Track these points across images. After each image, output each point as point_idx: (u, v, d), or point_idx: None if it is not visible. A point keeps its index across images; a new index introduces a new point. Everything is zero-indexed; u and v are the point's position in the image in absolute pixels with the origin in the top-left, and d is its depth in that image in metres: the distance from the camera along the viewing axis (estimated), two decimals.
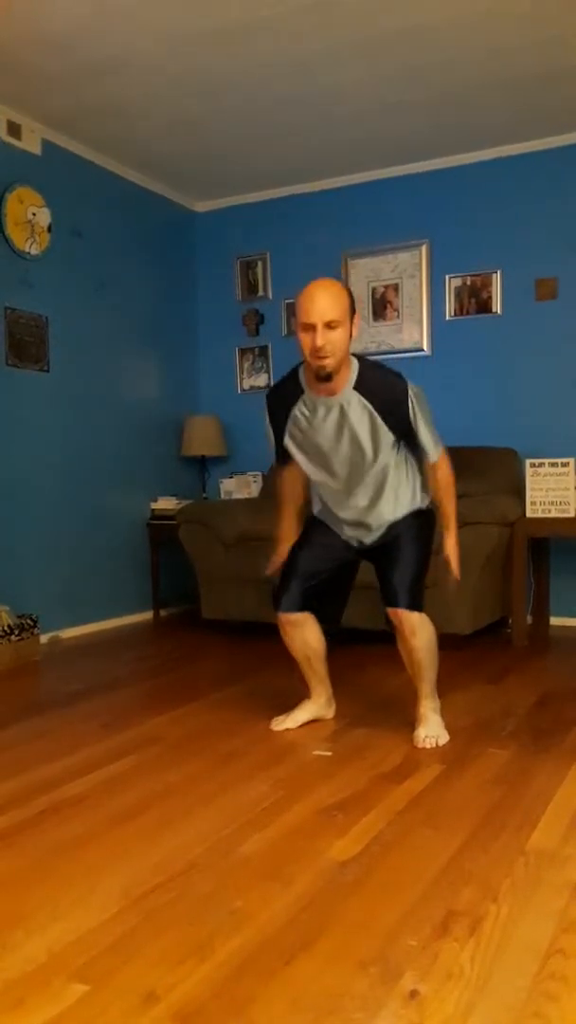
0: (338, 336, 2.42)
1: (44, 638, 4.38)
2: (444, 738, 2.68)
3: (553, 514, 4.13)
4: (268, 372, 5.44)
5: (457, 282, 4.92)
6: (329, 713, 2.97)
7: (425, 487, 2.79)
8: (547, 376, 4.71)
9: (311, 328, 2.41)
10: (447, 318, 4.96)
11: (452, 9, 3.37)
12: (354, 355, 2.58)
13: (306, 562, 2.81)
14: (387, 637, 4.02)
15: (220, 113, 4.30)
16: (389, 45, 3.65)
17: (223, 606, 4.53)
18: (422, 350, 4.98)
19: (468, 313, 4.91)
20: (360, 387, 2.54)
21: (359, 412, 2.55)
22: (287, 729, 2.84)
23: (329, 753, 2.59)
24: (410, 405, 2.56)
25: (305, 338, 2.44)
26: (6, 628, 3.95)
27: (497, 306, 4.83)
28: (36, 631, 4.13)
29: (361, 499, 2.70)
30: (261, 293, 5.46)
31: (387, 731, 2.78)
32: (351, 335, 2.47)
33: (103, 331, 4.91)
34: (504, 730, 2.78)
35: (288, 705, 3.00)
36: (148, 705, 3.22)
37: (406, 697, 3.16)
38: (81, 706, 3.21)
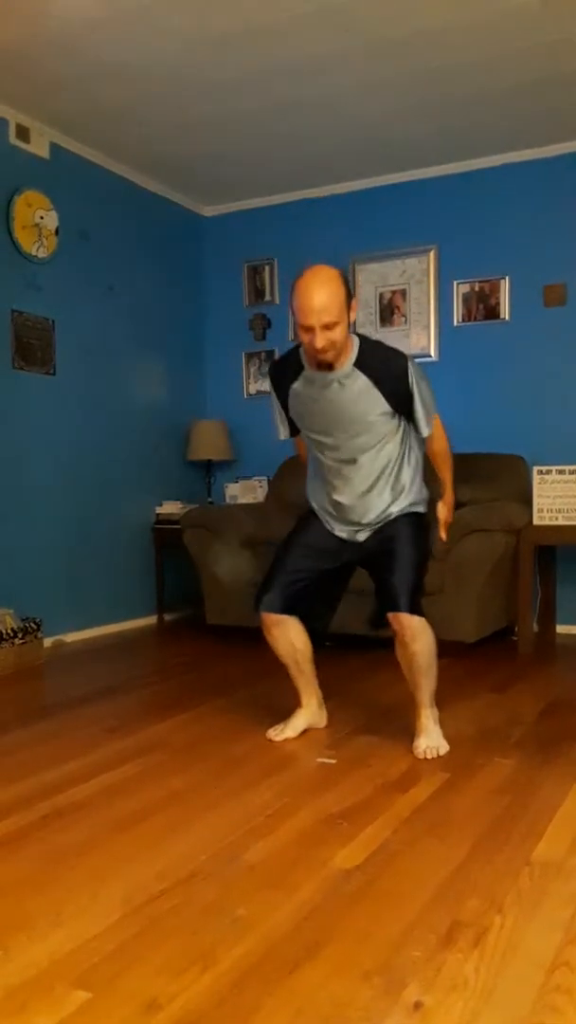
0: (337, 333, 2.43)
1: (48, 642, 4.38)
2: (444, 748, 2.65)
3: (560, 521, 4.11)
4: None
5: (465, 288, 4.91)
6: (322, 720, 2.92)
7: (424, 482, 2.76)
8: (555, 382, 4.70)
9: (310, 329, 2.42)
10: (455, 324, 4.95)
11: (460, 14, 3.38)
12: (355, 334, 2.59)
13: (292, 561, 2.77)
14: (388, 643, 4.01)
15: (228, 117, 4.30)
16: (398, 50, 3.65)
17: (227, 611, 4.52)
18: (429, 356, 4.97)
19: (476, 319, 4.90)
20: (360, 364, 2.55)
21: (359, 385, 2.55)
22: (286, 739, 2.80)
23: (333, 761, 2.58)
24: (410, 379, 2.57)
25: (305, 335, 2.46)
26: (10, 632, 3.95)
27: (505, 312, 4.83)
28: (40, 635, 4.13)
29: (358, 481, 2.66)
30: (268, 298, 5.46)
31: (391, 739, 2.77)
32: (350, 322, 2.49)
33: (110, 334, 4.91)
34: (510, 739, 2.77)
35: (293, 712, 2.98)
36: (152, 710, 3.21)
37: (410, 705, 3.15)
38: (84, 711, 3.21)
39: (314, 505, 2.83)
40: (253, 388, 5.55)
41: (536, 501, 4.15)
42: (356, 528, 2.73)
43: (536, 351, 4.75)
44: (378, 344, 2.64)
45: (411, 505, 2.71)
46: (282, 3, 3.29)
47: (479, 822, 2.08)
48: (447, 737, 2.70)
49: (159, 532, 5.19)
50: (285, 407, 2.76)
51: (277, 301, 5.43)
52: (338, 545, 2.77)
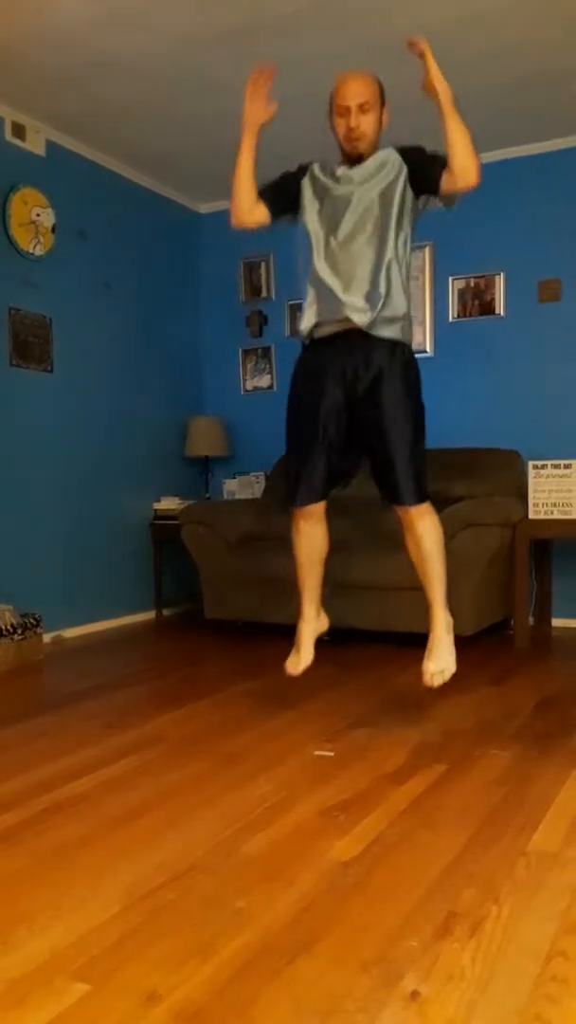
0: (370, 120, 2.65)
1: (47, 637, 4.39)
2: (451, 669, 2.72)
3: (556, 516, 4.12)
4: (271, 373, 5.45)
5: (460, 284, 4.92)
6: (323, 625, 3.00)
7: (407, 298, 2.76)
8: (550, 378, 4.71)
9: (346, 111, 2.62)
10: (450, 319, 4.96)
11: (456, 10, 3.38)
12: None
13: (309, 448, 2.79)
14: (389, 637, 4.02)
15: (225, 114, 4.28)
16: (393, 46, 3.64)
17: (225, 607, 4.53)
18: (425, 351, 4.98)
19: (471, 315, 4.91)
20: (395, 149, 2.74)
21: (390, 158, 2.72)
22: (306, 667, 2.88)
23: (331, 754, 2.59)
24: (421, 146, 2.72)
25: (340, 122, 2.66)
26: (9, 627, 3.96)
27: (500, 308, 4.83)
28: (39, 630, 4.13)
29: (359, 264, 2.67)
30: (265, 294, 5.46)
31: (389, 732, 2.78)
32: (382, 122, 2.70)
33: (107, 332, 4.91)
34: (506, 731, 2.78)
35: (291, 705, 3.00)
36: (151, 705, 3.22)
37: (408, 698, 3.16)
38: (83, 706, 3.22)
39: (307, 314, 2.80)
40: (250, 385, 5.55)
41: (532, 496, 4.17)
42: (345, 300, 2.70)
43: (531, 347, 4.76)
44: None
45: (402, 329, 2.72)
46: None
47: (476, 813, 2.10)
48: (445, 729, 2.72)
49: (157, 528, 5.20)
50: (292, 197, 2.87)
51: (274, 298, 5.43)
52: (337, 387, 2.74)
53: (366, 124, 2.63)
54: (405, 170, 2.71)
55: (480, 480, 4.41)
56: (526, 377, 4.77)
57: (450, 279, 4.93)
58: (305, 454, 2.81)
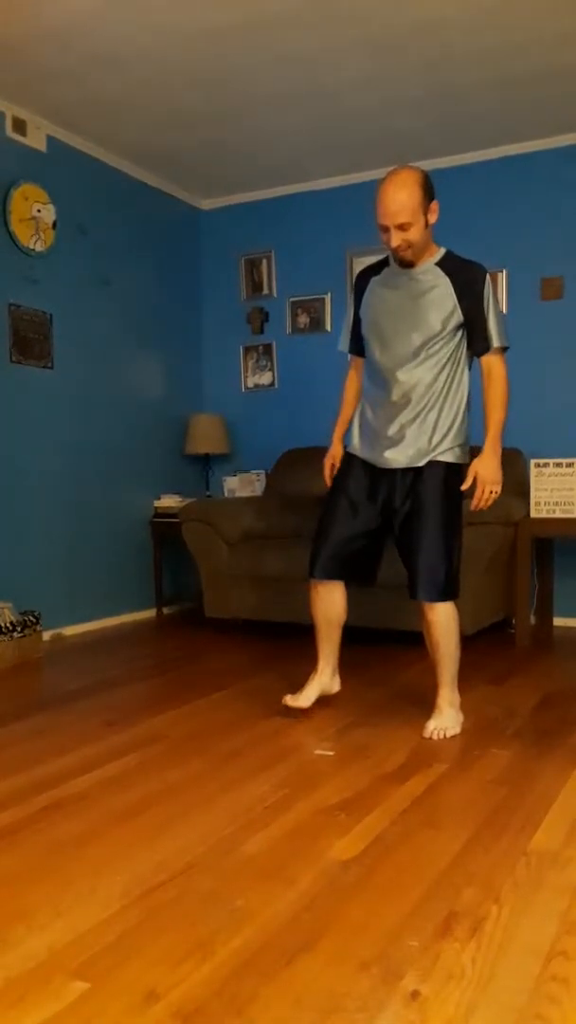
0: (413, 233, 2.59)
1: (46, 635, 4.38)
2: (452, 731, 2.71)
3: (557, 514, 4.12)
4: (272, 370, 5.44)
5: None
6: (335, 687, 3.03)
7: (465, 430, 2.77)
8: (552, 376, 4.70)
9: (386, 229, 2.59)
10: None
11: (457, 6, 3.37)
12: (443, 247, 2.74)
13: (339, 529, 2.83)
14: (390, 636, 4.02)
15: (225, 110, 4.29)
16: (395, 42, 3.64)
17: (226, 604, 4.53)
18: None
19: None
20: (442, 264, 2.70)
21: (436, 281, 2.69)
22: (301, 708, 2.90)
23: (331, 753, 2.59)
24: (486, 287, 2.68)
25: (383, 235, 2.63)
26: (9, 625, 3.96)
27: (503, 305, 4.82)
28: (39, 628, 4.13)
29: (404, 399, 2.70)
30: (266, 291, 5.45)
31: (390, 731, 2.77)
32: (427, 224, 2.62)
33: (107, 328, 4.90)
34: (507, 730, 2.78)
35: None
36: (150, 703, 3.22)
37: (409, 697, 3.16)
38: (83, 704, 3.21)
39: (354, 438, 2.86)
40: (251, 382, 5.54)
41: (533, 494, 4.16)
42: (388, 457, 2.74)
43: (533, 344, 4.74)
44: (461, 257, 2.75)
45: (448, 450, 2.72)
46: None
47: (476, 813, 2.09)
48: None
49: (157, 525, 5.19)
50: (357, 316, 2.87)
51: (275, 294, 5.42)
52: (373, 491, 2.79)
53: (410, 238, 2.59)
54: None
55: None
56: (528, 375, 4.75)
57: None
58: (336, 529, 2.86)
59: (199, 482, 5.57)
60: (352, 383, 3.01)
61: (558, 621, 4.69)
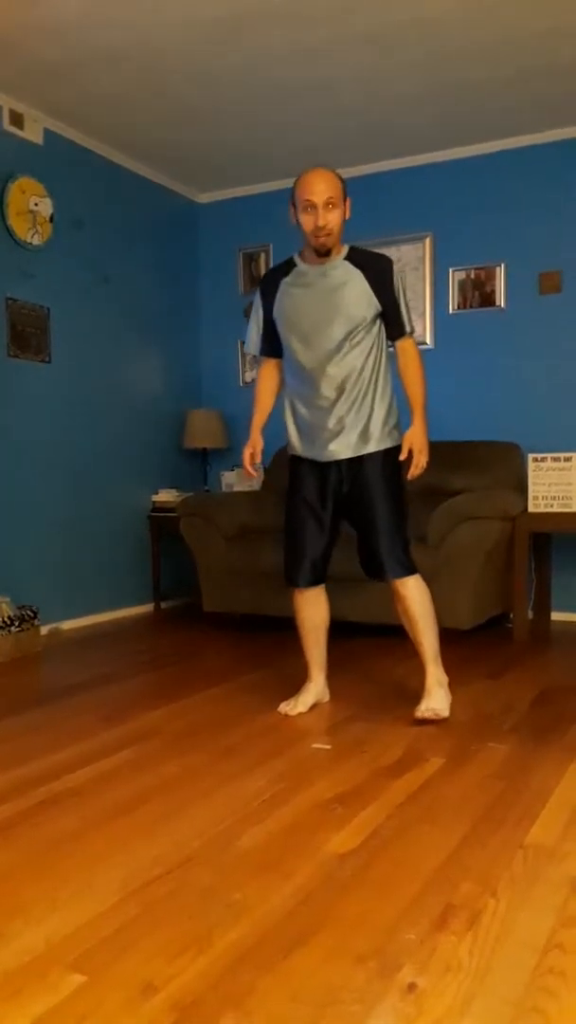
0: (335, 217, 2.69)
1: (44, 630, 4.38)
2: (443, 712, 2.77)
3: (555, 508, 4.12)
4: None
5: (460, 275, 4.90)
6: (326, 695, 3.06)
7: (396, 412, 2.85)
8: (550, 370, 4.70)
9: (313, 207, 2.66)
10: (450, 311, 4.94)
11: (456, 1, 3.35)
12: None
13: (311, 535, 2.90)
14: (387, 631, 4.02)
15: (224, 103, 4.28)
16: (394, 36, 3.63)
17: (223, 599, 4.53)
18: (425, 343, 4.96)
19: (471, 306, 4.89)
20: (351, 258, 2.79)
21: (349, 276, 2.76)
22: (299, 714, 2.92)
23: (328, 747, 2.59)
24: (394, 275, 2.79)
25: (307, 219, 2.70)
26: (6, 619, 3.95)
27: (501, 299, 4.82)
28: (36, 623, 4.13)
29: (340, 392, 2.76)
30: None
31: (387, 725, 2.78)
32: (345, 215, 2.74)
33: (105, 322, 4.89)
34: (504, 725, 2.78)
35: (288, 698, 3.00)
36: (148, 698, 3.22)
37: (406, 691, 3.16)
38: (81, 698, 3.21)
39: (293, 439, 2.91)
40: (248, 376, 5.53)
41: (531, 488, 4.16)
42: (332, 449, 2.81)
43: (531, 338, 4.74)
44: (365, 248, 2.85)
45: (387, 435, 2.81)
46: None
47: (473, 807, 2.10)
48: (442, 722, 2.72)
49: (155, 520, 5.19)
50: (269, 318, 2.91)
51: None
52: (323, 488, 2.87)
53: (333, 220, 2.68)
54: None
55: (479, 473, 4.40)
56: (526, 369, 4.76)
57: (450, 270, 4.91)
58: (307, 536, 2.92)
59: (197, 477, 5.57)
60: (267, 382, 3.04)
61: (556, 616, 4.69)
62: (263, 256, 5.44)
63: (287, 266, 2.88)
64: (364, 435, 2.78)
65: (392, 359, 2.86)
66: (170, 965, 1.43)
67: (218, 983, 1.37)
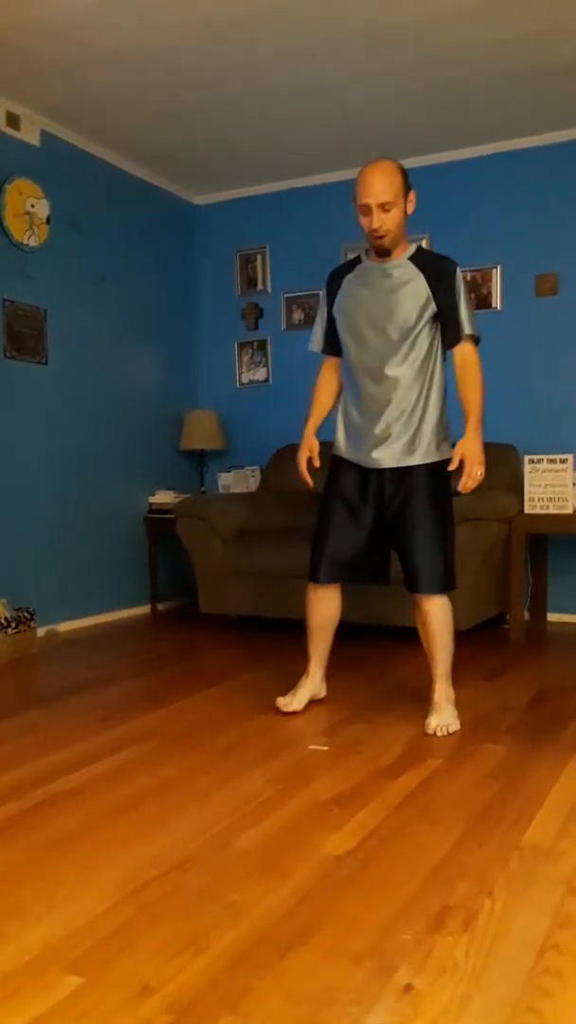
0: (393, 216, 2.63)
1: (41, 631, 4.38)
2: (454, 727, 2.72)
3: (551, 510, 4.13)
4: (267, 366, 5.44)
5: None
6: (322, 692, 3.05)
7: (446, 423, 2.80)
8: (546, 372, 4.71)
9: (368, 209, 2.62)
10: None
11: (454, 2, 3.36)
12: (414, 242, 2.77)
13: (338, 533, 2.84)
14: (385, 632, 4.03)
15: (221, 105, 4.28)
16: (390, 37, 3.64)
17: (221, 600, 4.53)
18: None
19: None
20: (414, 259, 2.74)
21: (410, 277, 2.71)
22: (294, 711, 2.91)
23: (326, 748, 2.59)
24: (456, 279, 2.72)
25: (364, 219, 2.66)
26: (3, 621, 3.95)
27: (497, 302, 4.83)
28: (33, 624, 4.13)
29: (385, 398, 2.72)
30: (260, 287, 5.45)
31: (384, 726, 2.78)
32: (406, 212, 2.68)
33: (102, 324, 4.90)
34: (501, 726, 2.79)
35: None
36: (145, 699, 3.22)
37: (404, 692, 3.17)
38: (78, 699, 3.21)
39: (339, 440, 2.87)
40: (245, 378, 5.54)
41: (527, 490, 4.17)
42: (376, 457, 2.76)
43: (528, 341, 4.75)
44: (431, 251, 2.83)
45: (436, 448, 2.75)
46: None
47: (470, 807, 2.10)
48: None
49: (152, 521, 5.19)
50: (330, 316, 2.87)
51: (269, 290, 5.42)
52: (364, 490, 2.81)
53: (390, 222, 2.63)
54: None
55: None
56: (522, 371, 4.77)
57: None
58: (333, 533, 2.87)
59: (194, 478, 5.57)
60: (326, 382, 2.99)
61: (551, 617, 4.70)
62: (260, 258, 5.44)
63: (352, 263, 2.83)
64: (410, 446, 2.72)
65: (449, 367, 2.79)
66: (167, 966, 1.43)
67: (215, 984, 1.38)
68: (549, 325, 4.70)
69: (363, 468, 2.81)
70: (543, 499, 4.14)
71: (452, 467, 2.74)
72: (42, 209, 4.43)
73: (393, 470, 2.75)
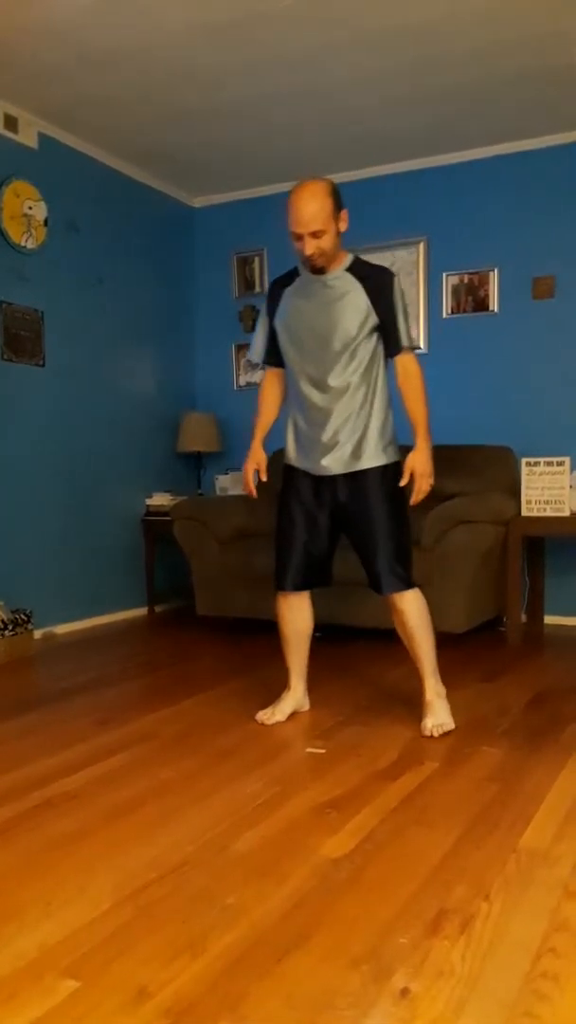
0: (325, 240, 2.63)
1: (38, 633, 4.38)
2: (449, 725, 2.74)
3: (548, 513, 4.13)
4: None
5: (454, 280, 4.92)
6: (304, 705, 3.03)
7: (392, 428, 2.80)
8: (543, 374, 4.72)
9: (300, 237, 2.63)
10: (444, 316, 4.96)
11: (452, 5, 3.37)
12: (350, 251, 2.77)
13: (302, 540, 2.86)
14: (380, 634, 4.02)
15: (219, 107, 4.28)
16: (389, 41, 3.64)
17: (217, 603, 4.53)
18: (419, 348, 4.94)
19: (465, 311, 4.90)
20: (352, 270, 2.74)
21: (349, 288, 2.72)
22: (277, 723, 2.88)
23: (323, 750, 2.59)
24: (395, 290, 2.74)
25: (297, 244, 2.66)
26: (0, 623, 3.95)
27: (494, 304, 4.83)
28: (30, 626, 4.12)
29: (332, 409, 2.73)
30: (258, 289, 5.45)
31: (381, 728, 2.78)
32: (339, 232, 2.68)
33: (99, 326, 4.90)
34: (498, 728, 2.79)
35: (281, 695, 3.00)
36: (142, 701, 3.22)
37: (400, 695, 3.17)
38: (75, 702, 3.21)
39: (290, 449, 2.88)
40: (243, 380, 5.54)
41: (524, 493, 4.17)
42: (325, 464, 2.78)
43: (525, 343, 4.76)
44: (368, 261, 2.80)
45: (382, 451, 2.76)
46: None
47: (467, 810, 2.10)
48: None
49: (149, 524, 5.19)
50: (272, 328, 2.89)
51: (267, 292, 5.41)
52: (319, 497, 2.83)
53: (323, 245, 2.63)
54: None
55: (473, 477, 4.41)
56: (519, 374, 4.78)
57: (444, 275, 4.93)
58: (296, 542, 2.89)
59: (191, 480, 5.57)
60: (269, 393, 2.99)
61: (549, 619, 4.71)
62: (258, 260, 5.44)
63: (291, 275, 2.84)
64: (357, 451, 2.74)
65: (392, 376, 2.81)
66: (164, 970, 1.43)
67: (212, 988, 1.38)
68: (546, 327, 4.70)
69: (315, 476, 2.83)
70: (540, 502, 4.14)
71: (404, 482, 2.77)
72: (40, 211, 4.43)
73: (344, 476, 2.77)
